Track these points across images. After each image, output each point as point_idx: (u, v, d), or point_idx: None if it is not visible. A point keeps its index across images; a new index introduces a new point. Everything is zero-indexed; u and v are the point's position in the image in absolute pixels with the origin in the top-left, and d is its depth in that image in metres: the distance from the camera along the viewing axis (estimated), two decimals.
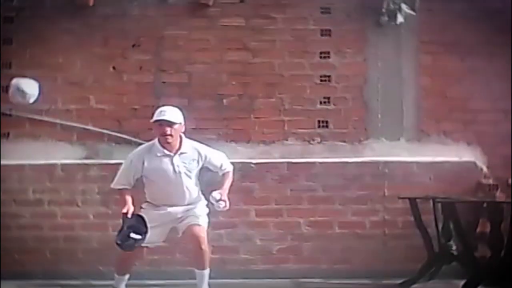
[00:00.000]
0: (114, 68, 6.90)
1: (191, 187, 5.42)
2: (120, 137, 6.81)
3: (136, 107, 6.86)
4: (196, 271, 5.41)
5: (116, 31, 6.87)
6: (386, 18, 6.90)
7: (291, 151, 6.86)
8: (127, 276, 5.55)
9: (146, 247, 5.46)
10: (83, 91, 6.86)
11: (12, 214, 6.59)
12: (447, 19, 6.95)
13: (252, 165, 6.65)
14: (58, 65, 6.84)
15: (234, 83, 6.90)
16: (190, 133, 6.82)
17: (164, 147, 5.38)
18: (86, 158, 6.79)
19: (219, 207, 5.35)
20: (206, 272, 5.41)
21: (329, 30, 6.98)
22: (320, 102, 6.95)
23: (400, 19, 6.86)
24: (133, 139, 6.77)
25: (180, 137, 5.43)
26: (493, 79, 6.88)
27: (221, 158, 5.55)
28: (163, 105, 5.52)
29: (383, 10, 6.87)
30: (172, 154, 5.37)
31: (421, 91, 6.99)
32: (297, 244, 6.71)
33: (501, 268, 5.49)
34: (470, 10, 6.88)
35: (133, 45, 6.90)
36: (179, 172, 5.36)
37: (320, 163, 6.75)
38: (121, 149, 6.78)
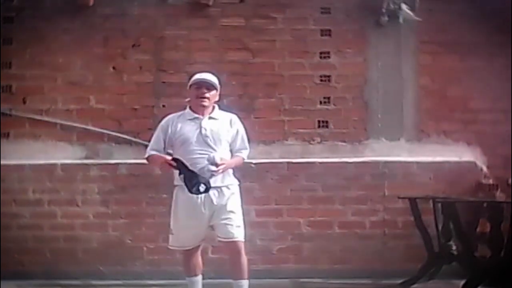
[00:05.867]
0: (114, 68, 6.90)
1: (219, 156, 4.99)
2: (120, 137, 6.80)
3: (136, 107, 6.86)
4: (233, 281, 5.01)
5: (116, 31, 6.87)
6: (386, 18, 6.91)
7: (291, 151, 6.86)
8: (198, 277, 5.20)
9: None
10: (83, 91, 6.86)
11: (12, 214, 6.59)
12: (447, 19, 6.95)
13: (252, 165, 6.64)
14: (58, 65, 6.84)
15: (234, 83, 6.89)
16: None
17: (195, 112, 5.07)
18: (86, 158, 6.79)
19: (209, 168, 4.91)
20: (245, 282, 4.97)
21: (329, 30, 6.98)
22: (320, 102, 6.95)
23: (400, 19, 6.88)
24: (133, 139, 6.78)
25: (213, 106, 5.16)
26: (493, 79, 6.88)
27: (245, 142, 5.23)
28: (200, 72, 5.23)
29: (383, 10, 6.88)
30: (201, 117, 5.05)
31: (421, 91, 6.99)
32: (297, 244, 6.70)
33: (501, 268, 5.49)
34: (470, 10, 6.88)
35: (133, 45, 6.90)
36: (206, 136, 4.99)
37: (320, 163, 6.74)
38: (121, 149, 6.79)
